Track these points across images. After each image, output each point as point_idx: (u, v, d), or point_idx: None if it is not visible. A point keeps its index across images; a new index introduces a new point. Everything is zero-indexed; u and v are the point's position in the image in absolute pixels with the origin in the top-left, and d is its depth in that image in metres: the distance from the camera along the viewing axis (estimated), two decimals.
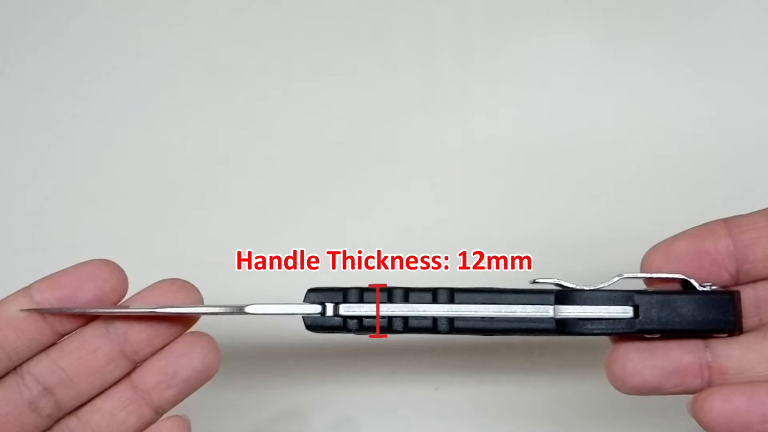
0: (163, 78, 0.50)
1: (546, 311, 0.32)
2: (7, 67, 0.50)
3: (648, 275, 0.33)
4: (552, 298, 0.33)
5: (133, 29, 0.51)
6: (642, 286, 0.34)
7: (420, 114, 0.49)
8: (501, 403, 0.45)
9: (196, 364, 0.33)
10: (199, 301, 0.33)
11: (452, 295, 0.33)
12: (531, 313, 0.32)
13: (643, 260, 0.33)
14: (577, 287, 0.33)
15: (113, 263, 0.33)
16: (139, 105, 0.50)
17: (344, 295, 0.33)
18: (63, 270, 0.33)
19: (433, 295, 0.33)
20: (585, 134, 0.48)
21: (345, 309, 0.33)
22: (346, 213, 0.47)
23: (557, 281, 0.33)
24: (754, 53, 0.49)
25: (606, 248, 0.44)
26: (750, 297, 0.33)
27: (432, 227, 0.47)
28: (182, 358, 0.33)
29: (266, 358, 0.45)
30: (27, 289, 0.32)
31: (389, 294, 0.33)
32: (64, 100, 0.49)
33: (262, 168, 0.48)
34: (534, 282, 0.33)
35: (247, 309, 0.33)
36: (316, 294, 0.33)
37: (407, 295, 0.33)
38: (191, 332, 0.34)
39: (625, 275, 0.33)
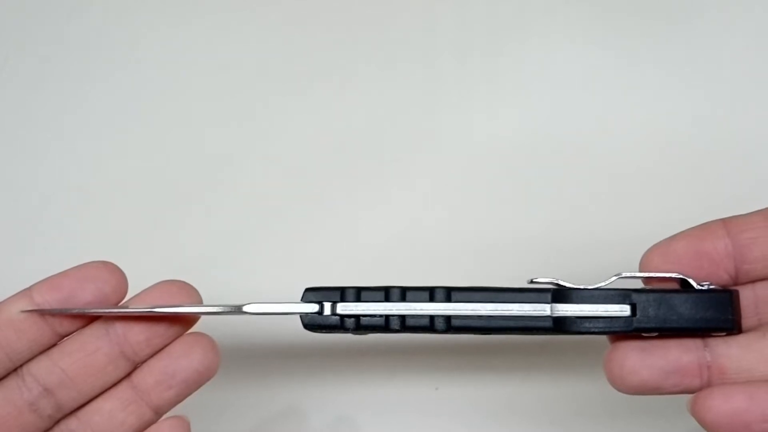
0: (164, 78, 0.50)
1: (543, 310, 0.32)
2: (7, 67, 0.50)
3: (646, 275, 0.33)
4: (549, 296, 0.33)
5: (133, 29, 0.51)
6: (640, 285, 0.34)
7: (420, 114, 0.49)
8: (501, 403, 0.44)
9: (196, 364, 0.33)
10: (199, 302, 0.34)
11: (449, 294, 0.33)
12: (528, 312, 0.32)
13: (641, 260, 0.33)
14: (574, 286, 0.33)
15: (113, 264, 0.33)
16: (139, 105, 0.50)
17: (342, 294, 0.33)
18: (63, 271, 0.33)
19: (431, 294, 0.33)
20: (585, 134, 0.48)
21: (342, 308, 0.33)
22: (346, 212, 0.47)
23: (554, 280, 0.33)
24: (755, 53, 0.49)
25: (605, 248, 0.44)
26: (749, 297, 0.33)
27: (431, 227, 0.47)
28: (182, 358, 0.33)
29: (265, 358, 0.45)
30: (27, 291, 0.33)
31: (386, 293, 0.33)
32: (64, 100, 0.50)
33: (261, 168, 0.48)
34: (532, 281, 0.33)
35: (245, 308, 0.33)
36: (313, 293, 0.33)
37: (404, 294, 0.33)
38: (191, 333, 0.34)
39: (623, 275, 0.33)
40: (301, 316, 0.33)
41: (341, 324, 0.33)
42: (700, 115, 0.48)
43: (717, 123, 0.48)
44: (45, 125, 0.49)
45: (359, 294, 0.33)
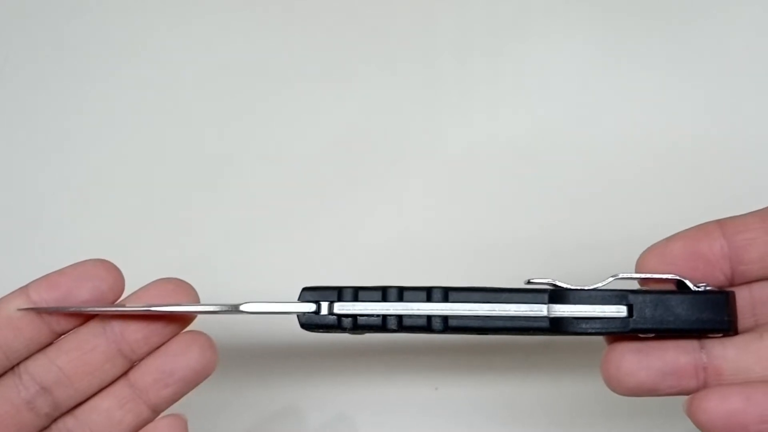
0: (163, 77, 0.50)
1: (540, 310, 0.32)
2: (7, 67, 0.50)
3: (642, 276, 0.33)
4: (546, 297, 0.33)
5: (133, 29, 0.51)
6: (637, 286, 0.34)
7: (419, 114, 0.49)
8: (501, 403, 0.44)
9: (193, 362, 0.33)
10: (196, 301, 0.34)
11: (446, 294, 0.33)
12: (525, 312, 0.32)
13: (638, 261, 0.33)
14: (572, 287, 0.33)
15: (110, 263, 0.33)
16: (138, 105, 0.50)
17: (339, 293, 0.33)
18: (60, 270, 0.33)
19: (428, 293, 0.33)
20: (584, 134, 0.48)
21: (339, 308, 0.33)
22: (344, 212, 0.47)
23: (552, 281, 0.33)
24: (755, 53, 0.49)
25: (603, 249, 0.44)
26: (745, 298, 0.33)
27: (430, 227, 0.47)
28: (179, 356, 0.33)
29: (264, 357, 0.45)
30: (24, 289, 0.33)
31: (384, 293, 0.33)
32: (64, 100, 0.50)
33: (260, 168, 0.48)
34: (529, 282, 0.33)
35: (242, 307, 0.33)
36: (310, 293, 0.33)
37: (401, 293, 0.33)
38: (188, 331, 0.34)
39: (620, 276, 0.33)
40: (298, 316, 0.33)
41: (338, 323, 0.33)
42: (701, 115, 0.48)
43: (717, 123, 0.48)
44: (45, 125, 0.49)
45: (356, 294, 0.33)
